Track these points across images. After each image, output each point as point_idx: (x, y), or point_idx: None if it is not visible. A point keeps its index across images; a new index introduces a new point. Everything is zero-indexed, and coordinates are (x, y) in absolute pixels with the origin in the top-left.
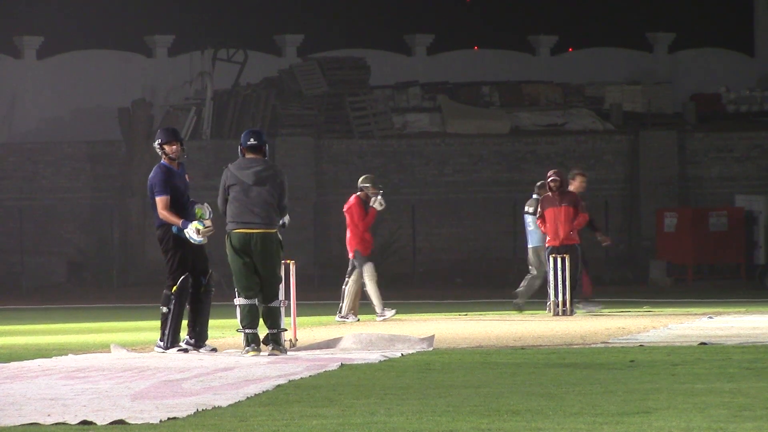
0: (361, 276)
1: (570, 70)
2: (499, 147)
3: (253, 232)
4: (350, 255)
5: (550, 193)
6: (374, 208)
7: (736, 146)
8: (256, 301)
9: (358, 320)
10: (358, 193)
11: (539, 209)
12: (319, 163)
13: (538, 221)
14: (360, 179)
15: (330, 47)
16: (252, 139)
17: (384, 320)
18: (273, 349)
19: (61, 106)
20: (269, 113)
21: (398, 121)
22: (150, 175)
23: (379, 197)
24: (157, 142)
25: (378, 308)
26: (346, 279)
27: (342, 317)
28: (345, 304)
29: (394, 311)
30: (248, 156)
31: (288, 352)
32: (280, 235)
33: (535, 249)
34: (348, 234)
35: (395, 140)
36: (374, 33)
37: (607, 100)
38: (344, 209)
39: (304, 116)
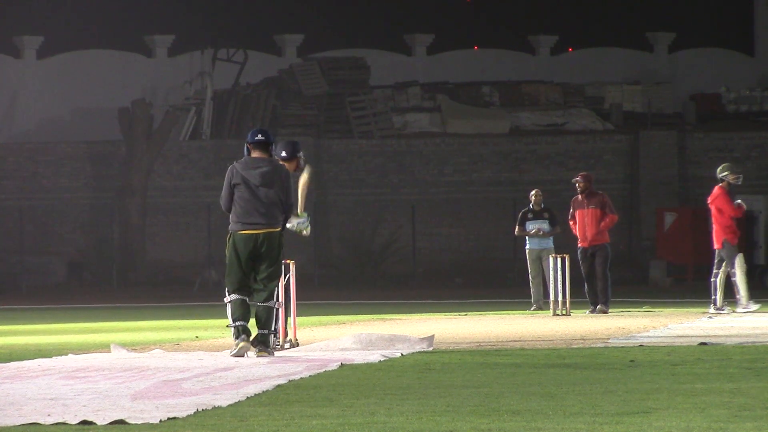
0: (732, 266)
1: (570, 70)
2: (499, 147)
3: (259, 233)
4: (716, 246)
5: (579, 196)
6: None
7: (736, 146)
8: (246, 298)
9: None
10: (721, 183)
11: (571, 210)
12: (319, 162)
13: (570, 222)
14: (718, 169)
15: (330, 47)
16: (260, 135)
17: (746, 312)
18: (260, 351)
19: (61, 106)
20: (269, 113)
21: (398, 121)
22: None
23: (739, 179)
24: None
25: (744, 300)
26: (715, 271)
27: (717, 309)
28: (719, 297)
29: (758, 305)
30: (254, 155)
31: (275, 355)
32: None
33: None
34: (715, 226)
35: (395, 140)
36: (374, 33)
37: (607, 100)
38: (709, 201)
39: (304, 116)
